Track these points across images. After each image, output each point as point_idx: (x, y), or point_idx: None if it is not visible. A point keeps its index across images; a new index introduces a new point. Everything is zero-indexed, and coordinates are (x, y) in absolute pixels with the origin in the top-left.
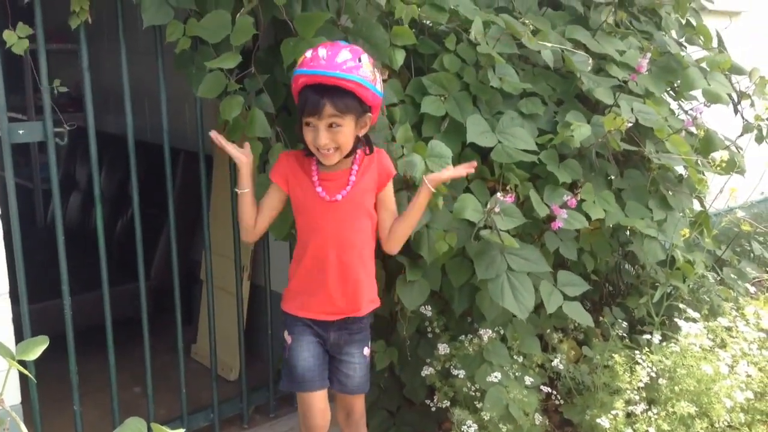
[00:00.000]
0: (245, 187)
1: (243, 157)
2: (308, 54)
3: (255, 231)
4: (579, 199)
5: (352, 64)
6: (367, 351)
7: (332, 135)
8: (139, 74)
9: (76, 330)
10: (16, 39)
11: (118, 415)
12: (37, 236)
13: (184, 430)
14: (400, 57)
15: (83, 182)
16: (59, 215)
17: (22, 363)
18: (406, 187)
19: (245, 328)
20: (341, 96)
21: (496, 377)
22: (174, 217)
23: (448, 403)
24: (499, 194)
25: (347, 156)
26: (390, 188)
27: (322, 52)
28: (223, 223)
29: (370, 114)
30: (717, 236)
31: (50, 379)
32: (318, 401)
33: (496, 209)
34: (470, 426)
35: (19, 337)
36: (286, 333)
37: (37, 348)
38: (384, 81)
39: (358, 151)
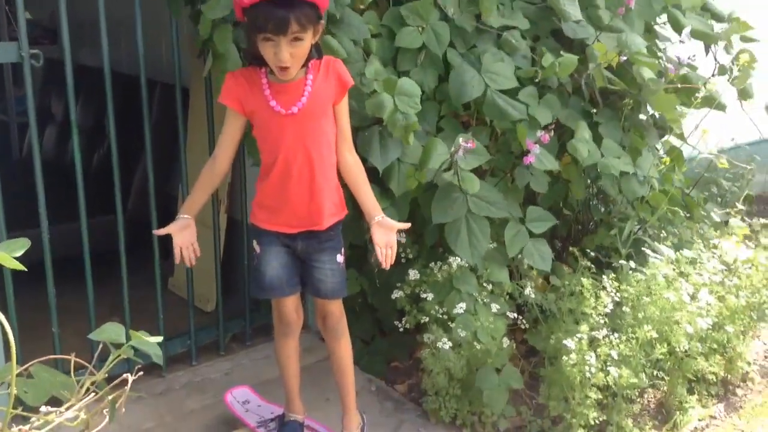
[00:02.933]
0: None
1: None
2: None
3: (222, 167)
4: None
5: None
6: (340, 258)
7: (294, 50)
8: (114, 4)
9: (52, 261)
10: None
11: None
12: (13, 169)
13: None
14: None
15: (59, 115)
16: (35, 139)
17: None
18: (377, 121)
19: (222, 261)
20: (303, 9)
21: (461, 308)
22: (150, 149)
23: (425, 319)
24: (461, 139)
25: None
26: (345, 102)
27: None
28: (199, 157)
29: (323, 21)
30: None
31: (26, 309)
32: (288, 305)
33: (460, 153)
34: (445, 343)
35: None
36: (254, 242)
37: (19, 247)
38: (360, 13)
39: (312, 60)
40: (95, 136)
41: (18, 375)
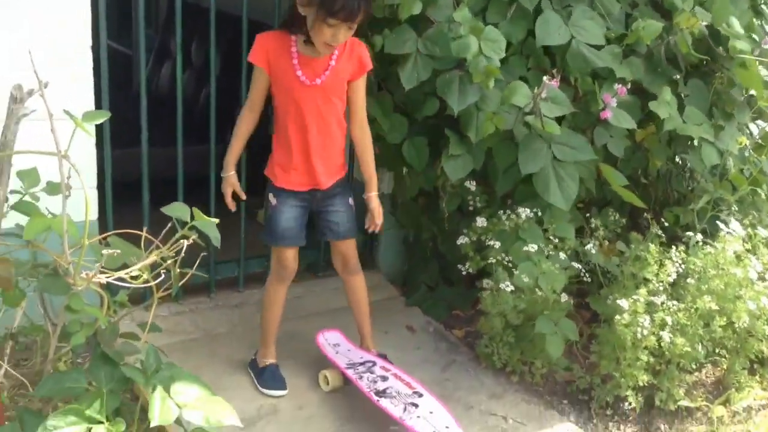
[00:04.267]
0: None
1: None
2: None
3: (257, 118)
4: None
5: None
6: (351, 201)
7: (347, 33)
8: None
9: (154, 179)
10: None
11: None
12: (134, 98)
13: (241, 271)
14: None
15: (176, 52)
16: (143, 66)
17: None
18: (458, 67)
19: None
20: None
21: (533, 247)
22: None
23: (490, 261)
24: (546, 78)
25: None
26: (363, 81)
27: None
28: None
29: None
30: None
31: (124, 224)
32: (292, 254)
33: (544, 94)
34: (508, 285)
35: (101, 179)
36: (270, 195)
37: (99, 117)
38: None
39: None
40: (205, 72)
41: (97, 242)
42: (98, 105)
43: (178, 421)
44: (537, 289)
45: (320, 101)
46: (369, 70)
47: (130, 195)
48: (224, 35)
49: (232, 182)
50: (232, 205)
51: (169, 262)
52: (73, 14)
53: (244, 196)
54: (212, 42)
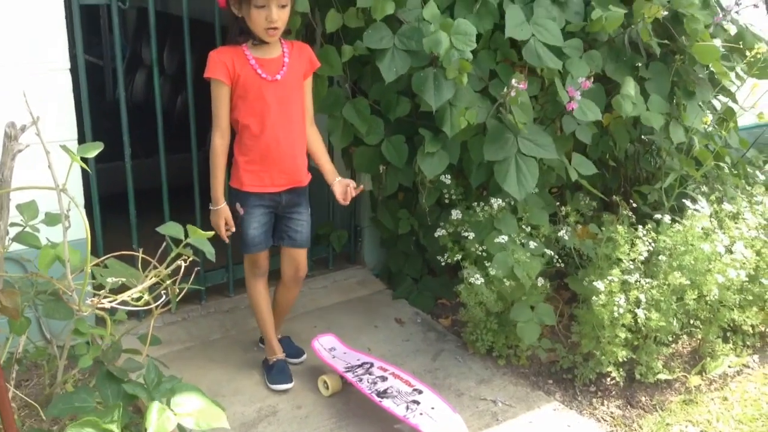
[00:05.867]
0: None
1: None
2: None
3: (227, 141)
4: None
5: None
6: (308, 210)
7: (281, 14)
8: None
9: (137, 190)
10: None
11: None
12: (106, 109)
13: (230, 276)
14: None
15: (148, 61)
16: (121, 78)
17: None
18: (432, 64)
19: None
20: None
21: (503, 239)
22: None
23: (462, 256)
24: (514, 80)
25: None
26: (310, 81)
27: None
28: None
29: None
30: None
31: (110, 235)
32: (263, 256)
33: (513, 93)
34: (478, 279)
35: (87, 192)
36: (238, 205)
37: (94, 148)
38: None
39: (282, 40)
40: (180, 80)
41: (95, 266)
42: (79, 121)
43: (183, 430)
44: (512, 279)
45: (285, 96)
46: (317, 68)
47: (110, 208)
48: (198, 41)
49: (225, 214)
50: (226, 238)
51: (168, 283)
52: (50, 33)
53: (234, 228)
54: (187, 49)
